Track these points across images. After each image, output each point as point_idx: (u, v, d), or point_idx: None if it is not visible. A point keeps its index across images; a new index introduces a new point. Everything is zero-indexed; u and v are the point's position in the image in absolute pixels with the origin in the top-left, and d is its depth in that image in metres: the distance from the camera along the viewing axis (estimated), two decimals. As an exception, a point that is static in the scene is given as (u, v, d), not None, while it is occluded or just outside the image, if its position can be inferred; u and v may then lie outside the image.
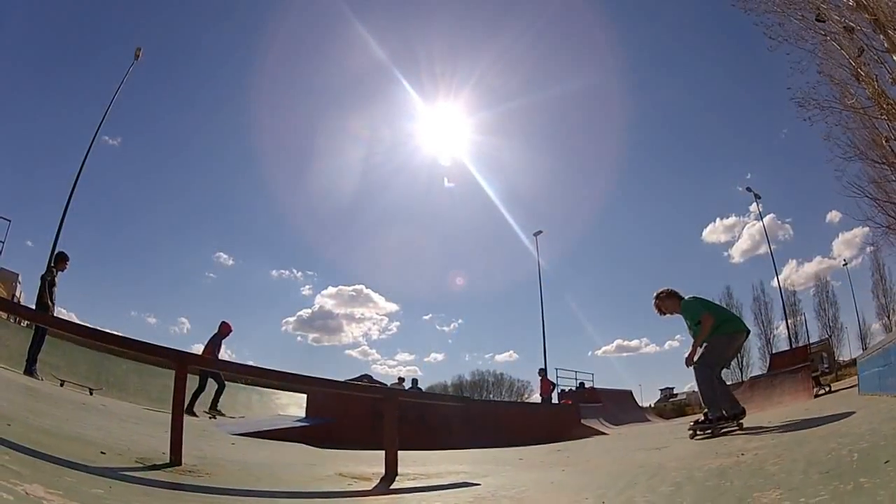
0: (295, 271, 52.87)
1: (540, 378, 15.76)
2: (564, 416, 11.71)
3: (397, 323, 54.51)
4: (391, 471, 3.06)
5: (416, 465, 3.71)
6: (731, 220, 44.91)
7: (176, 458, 2.29)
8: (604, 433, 10.42)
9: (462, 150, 43.64)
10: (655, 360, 49.09)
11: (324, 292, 53.15)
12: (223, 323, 8.94)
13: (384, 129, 43.56)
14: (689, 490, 1.82)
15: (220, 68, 47.05)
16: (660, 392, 42.15)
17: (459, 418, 7.95)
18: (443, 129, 40.08)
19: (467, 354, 62.64)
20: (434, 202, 53.92)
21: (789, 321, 30.79)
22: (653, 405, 36.89)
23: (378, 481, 2.73)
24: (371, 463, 3.59)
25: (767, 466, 2.27)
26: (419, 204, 56.07)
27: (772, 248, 27.41)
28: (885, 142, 12.36)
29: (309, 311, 51.43)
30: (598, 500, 1.80)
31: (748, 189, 28.15)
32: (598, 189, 54.71)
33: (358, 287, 47.61)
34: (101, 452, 2.10)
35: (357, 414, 6.51)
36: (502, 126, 46.48)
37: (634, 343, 51.74)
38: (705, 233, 48.07)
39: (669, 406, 36.95)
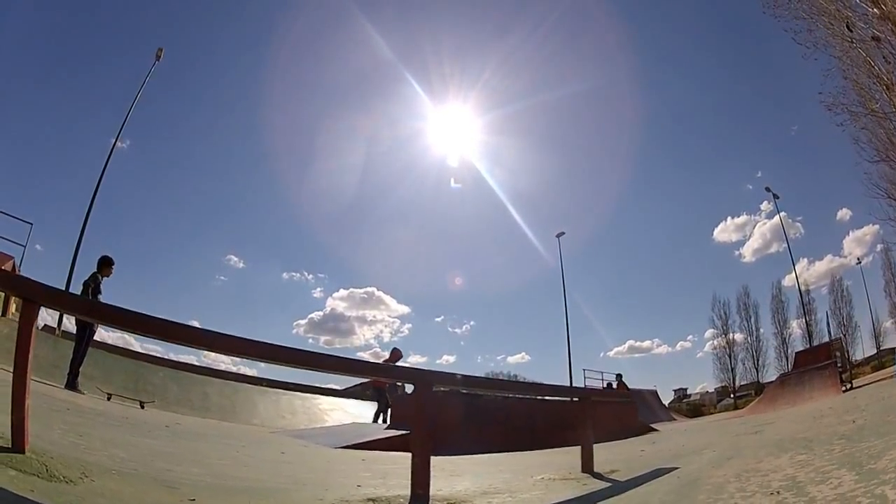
0: (306, 273, 52.75)
1: (617, 382, 17.20)
2: (625, 411, 11.47)
3: (409, 325, 54.29)
4: (588, 467, 3.08)
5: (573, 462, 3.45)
6: (742, 218, 44.67)
7: (423, 493, 2.05)
8: (657, 430, 10.44)
9: (471, 150, 43.51)
10: (667, 360, 49.09)
11: (335, 294, 53.20)
12: (395, 349, 9.35)
13: (393, 130, 43.49)
14: (863, 434, 2.16)
15: (228, 68, 46.98)
16: (673, 392, 42.25)
17: (540, 416, 7.92)
18: (452, 130, 40.17)
19: (479, 356, 62.54)
20: (445, 203, 54.07)
21: (807, 319, 30.92)
22: (667, 405, 36.89)
23: (589, 476, 2.85)
24: (539, 466, 3.54)
25: (890, 418, 2.62)
26: (430, 205, 56.15)
27: (790, 246, 27.54)
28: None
29: (320, 313, 51.53)
30: (805, 451, 2.08)
31: (767, 189, 28.47)
32: (608, 189, 54.39)
33: (369, 289, 47.51)
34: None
35: (449, 417, 6.56)
36: (511, 126, 46.34)
37: (646, 344, 51.57)
38: (716, 232, 48.00)
39: (685, 406, 37.12)
